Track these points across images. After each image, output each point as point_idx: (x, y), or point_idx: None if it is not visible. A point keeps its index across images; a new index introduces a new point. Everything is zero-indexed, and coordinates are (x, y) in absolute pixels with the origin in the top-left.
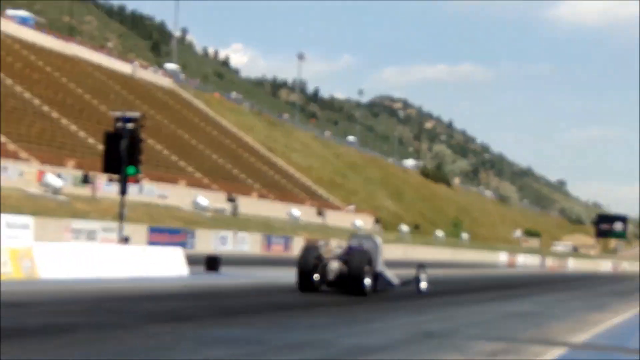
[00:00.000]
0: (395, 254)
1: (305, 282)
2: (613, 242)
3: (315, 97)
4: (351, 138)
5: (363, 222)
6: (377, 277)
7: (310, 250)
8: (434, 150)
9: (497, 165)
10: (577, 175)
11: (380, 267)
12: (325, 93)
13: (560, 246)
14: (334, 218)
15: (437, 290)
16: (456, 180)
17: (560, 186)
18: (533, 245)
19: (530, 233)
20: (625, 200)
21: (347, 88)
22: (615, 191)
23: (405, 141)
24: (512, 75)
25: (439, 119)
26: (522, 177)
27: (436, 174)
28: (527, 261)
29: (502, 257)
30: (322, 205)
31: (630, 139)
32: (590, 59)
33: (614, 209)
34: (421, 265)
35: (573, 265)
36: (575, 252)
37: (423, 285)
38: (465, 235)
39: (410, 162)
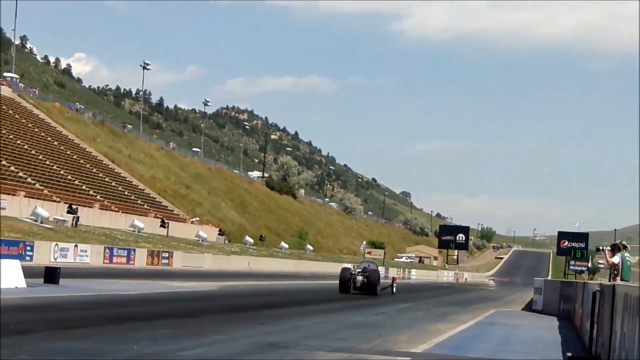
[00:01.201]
0: (240, 265)
1: (343, 287)
2: (455, 253)
3: (159, 108)
4: (196, 149)
5: (207, 233)
6: None
7: (345, 269)
8: (279, 162)
9: (343, 176)
10: (421, 187)
11: None
12: (170, 103)
13: (404, 257)
14: (178, 229)
15: (280, 302)
16: (302, 192)
17: (404, 198)
18: (377, 256)
19: (375, 244)
20: (467, 211)
21: (192, 99)
22: (458, 203)
23: (251, 152)
24: (358, 88)
25: (285, 130)
26: (368, 188)
27: (281, 186)
28: None
29: None
30: (166, 217)
31: (472, 153)
32: (435, 73)
33: (456, 220)
34: (393, 278)
35: (416, 275)
36: (420, 263)
37: (394, 289)
38: (310, 247)
39: (255, 174)
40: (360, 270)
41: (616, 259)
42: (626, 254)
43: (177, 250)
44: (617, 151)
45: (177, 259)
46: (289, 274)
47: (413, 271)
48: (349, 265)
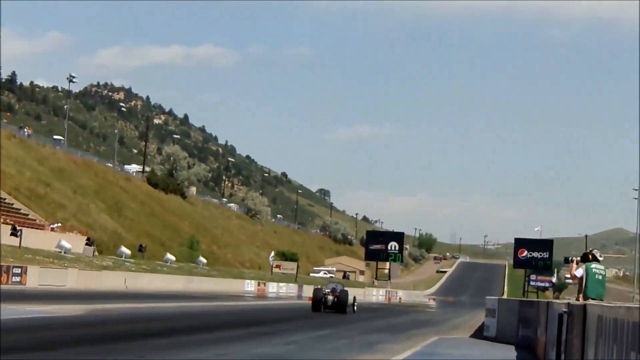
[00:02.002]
0: (113, 283)
1: (316, 306)
2: (387, 266)
3: (11, 85)
4: (58, 137)
5: (72, 243)
6: None
7: (318, 289)
8: (164, 153)
9: (245, 170)
10: (343, 184)
11: None
12: (24, 80)
13: (323, 272)
14: (34, 238)
15: (166, 329)
16: (193, 190)
17: (322, 197)
18: (289, 271)
19: (285, 255)
20: (402, 214)
21: (54, 74)
22: (390, 203)
23: (128, 141)
24: (263, 60)
25: (172, 113)
26: (276, 185)
27: (167, 183)
28: (281, 291)
29: (250, 285)
30: (18, 223)
31: (407, 140)
32: (358, 42)
33: (388, 225)
34: (354, 297)
35: None
36: (344, 278)
37: (355, 308)
38: (203, 260)
39: (134, 167)
40: (329, 290)
41: (579, 272)
42: (594, 266)
43: (33, 265)
44: (587, 139)
45: (32, 275)
46: (177, 293)
47: None
48: (320, 286)
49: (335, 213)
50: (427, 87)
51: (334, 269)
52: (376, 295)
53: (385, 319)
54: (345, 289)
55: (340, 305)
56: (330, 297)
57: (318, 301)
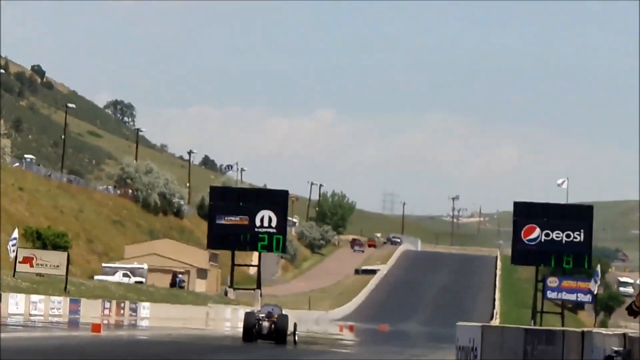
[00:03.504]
0: None
1: (248, 335)
2: (254, 260)
3: None
4: None
5: None
6: None
7: (250, 314)
8: None
9: None
10: (160, 93)
11: None
12: None
13: (121, 272)
14: None
15: None
16: None
17: (118, 119)
18: (51, 271)
19: (43, 238)
20: (283, 154)
21: None
22: (256, 132)
23: None
24: None
25: None
26: (22, 94)
27: None
28: (35, 311)
29: None
30: None
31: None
32: None
33: (253, 175)
34: (295, 324)
35: (151, 321)
36: (175, 287)
37: (297, 338)
38: None
39: None
40: (264, 314)
41: None
42: None
43: None
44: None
45: None
46: None
47: (145, 308)
48: (253, 309)
49: (145, 150)
50: None
51: (145, 266)
52: (231, 319)
53: None
54: (285, 312)
55: (279, 334)
56: (265, 324)
57: (250, 329)
